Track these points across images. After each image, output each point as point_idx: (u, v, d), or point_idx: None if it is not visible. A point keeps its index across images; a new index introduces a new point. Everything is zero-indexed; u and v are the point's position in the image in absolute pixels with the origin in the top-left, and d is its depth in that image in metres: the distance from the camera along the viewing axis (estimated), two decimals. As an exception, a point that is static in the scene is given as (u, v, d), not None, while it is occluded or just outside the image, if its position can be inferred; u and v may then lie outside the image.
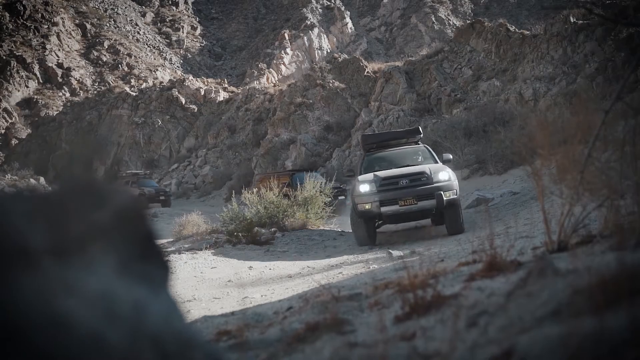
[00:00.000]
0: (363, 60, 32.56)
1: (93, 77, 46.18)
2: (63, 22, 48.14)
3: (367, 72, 30.97)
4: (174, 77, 43.30)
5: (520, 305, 1.32)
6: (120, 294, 0.65)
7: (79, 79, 45.02)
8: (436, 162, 10.51)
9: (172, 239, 12.54)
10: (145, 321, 0.66)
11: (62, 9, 49.58)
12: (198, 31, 57.20)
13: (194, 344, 0.71)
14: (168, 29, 55.31)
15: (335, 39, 51.59)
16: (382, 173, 9.82)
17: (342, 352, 1.45)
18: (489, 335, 1.23)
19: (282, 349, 1.77)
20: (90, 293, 0.62)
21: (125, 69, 47.27)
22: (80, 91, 44.23)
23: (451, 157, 10.84)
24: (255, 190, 12.98)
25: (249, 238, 10.58)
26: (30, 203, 0.65)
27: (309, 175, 14.67)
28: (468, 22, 33.47)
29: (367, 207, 9.27)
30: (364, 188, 9.47)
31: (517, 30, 27.05)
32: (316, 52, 49.12)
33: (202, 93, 39.01)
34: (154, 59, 50.61)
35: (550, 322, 1.13)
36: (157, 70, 47.80)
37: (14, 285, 0.58)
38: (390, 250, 7.85)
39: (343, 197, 17.56)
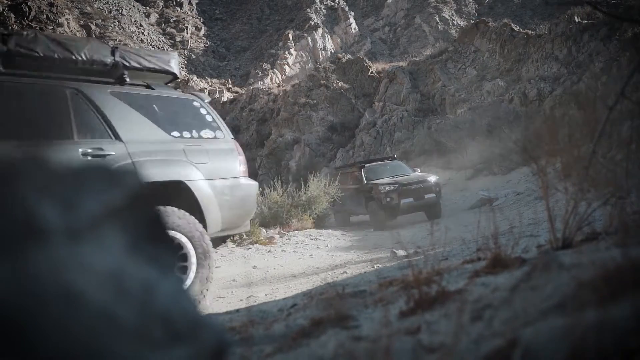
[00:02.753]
0: (367, 61, 32.56)
1: (98, 77, 46.34)
2: (68, 23, 48.33)
3: (371, 73, 30.97)
4: (179, 78, 43.39)
5: (524, 299, 1.32)
6: (130, 273, 0.67)
7: (83, 80, 45.18)
8: None
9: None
10: (155, 300, 0.67)
11: (67, 10, 49.77)
12: (202, 32, 57.33)
13: (203, 325, 0.72)
14: (172, 30, 55.47)
15: (339, 40, 51.59)
16: None
17: (347, 346, 1.46)
18: (494, 328, 1.23)
19: (287, 343, 1.78)
20: (101, 271, 0.64)
21: (130, 69, 47.42)
22: (85, 92, 44.40)
23: None
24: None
25: (253, 238, 10.62)
26: (44, 181, 0.67)
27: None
28: (472, 22, 33.44)
29: None
30: None
31: (521, 30, 26.99)
32: (320, 52, 49.15)
33: (206, 93, 39.09)
34: (158, 59, 50.71)
35: (554, 315, 1.13)
36: (161, 70, 47.90)
37: (27, 260, 0.60)
38: (394, 250, 7.86)
39: None
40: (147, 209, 0.74)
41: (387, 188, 13.32)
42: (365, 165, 15.52)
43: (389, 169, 15.03)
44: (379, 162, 15.92)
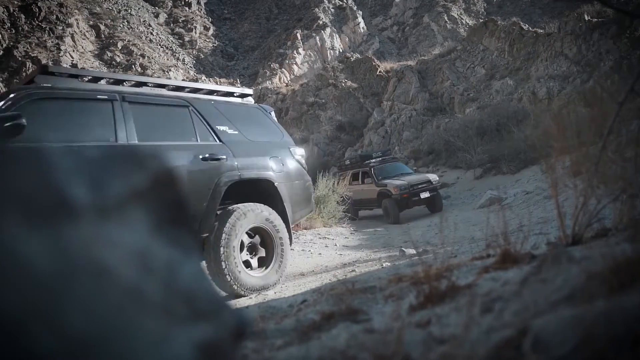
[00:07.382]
0: (375, 60, 32.53)
1: (107, 77, 46.59)
2: (77, 23, 48.62)
3: (380, 72, 30.93)
4: (187, 77, 43.54)
5: (534, 291, 1.34)
6: (154, 252, 0.70)
7: (93, 80, 45.46)
8: None
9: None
10: (178, 279, 0.70)
11: (76, 11, 50.07)
12: (211, 31, 57.45)
13: (224, 306, 0.75)
14: (181, 30, 55.64)
15: (347, 39, 51.53)
16: None
17: (358, 338, 1.47)
18: (504, 319, 1.25)
19: (298, 337, 1.80)
20: (127, 248, 0.67)
21: (139, 69, 47.62)
22: (95, 92, 44.65)
23: None
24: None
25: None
26: (76, 160, 0.70)
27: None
28: (481, 21, 33.32)
29: None
30: None
31: (530, 28, 26.85)
32: (328, 51, 49.10)
33: (215, 93, 39.18)
34: (167, 59, 50.92)
35: (564, 306, 1.14)
36: (170, 70, 48.08)
37: (58, 235, 0.63)
38: (403, 249, 7.87)
39: None
40: (171, 193, 0.77)
41: None
42: None
43: None
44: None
